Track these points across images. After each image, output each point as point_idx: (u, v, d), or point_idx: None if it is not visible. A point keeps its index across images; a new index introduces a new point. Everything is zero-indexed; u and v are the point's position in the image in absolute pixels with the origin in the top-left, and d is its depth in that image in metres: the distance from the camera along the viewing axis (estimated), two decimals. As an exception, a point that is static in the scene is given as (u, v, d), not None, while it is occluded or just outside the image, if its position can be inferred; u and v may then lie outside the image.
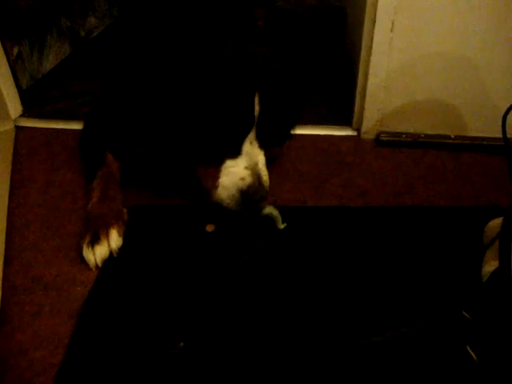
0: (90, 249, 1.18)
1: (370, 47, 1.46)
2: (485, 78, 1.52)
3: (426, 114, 1.58)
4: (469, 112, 1.58)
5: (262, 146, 1.22)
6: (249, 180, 1.19)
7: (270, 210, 1.26)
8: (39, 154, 1.50)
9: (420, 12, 1.41)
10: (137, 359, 1.00)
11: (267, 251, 1.22)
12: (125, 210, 1.28)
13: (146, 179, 1.38)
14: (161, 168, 1.32)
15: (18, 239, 1.24)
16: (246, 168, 1.19)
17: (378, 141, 1.60)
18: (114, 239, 1.20)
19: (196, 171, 1.26)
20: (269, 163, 1.26)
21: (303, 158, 1.54)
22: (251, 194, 1.19)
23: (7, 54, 1.58)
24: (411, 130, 1.60)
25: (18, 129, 1.60)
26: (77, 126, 1.54)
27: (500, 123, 1.54)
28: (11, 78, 1.60)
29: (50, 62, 1.77)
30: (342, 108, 1.70)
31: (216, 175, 1.21)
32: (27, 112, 1.67)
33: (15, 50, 1.62)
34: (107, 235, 1.20)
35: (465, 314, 1.01)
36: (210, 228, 1.28)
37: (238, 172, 1.19)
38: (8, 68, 1.59)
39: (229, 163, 1.20)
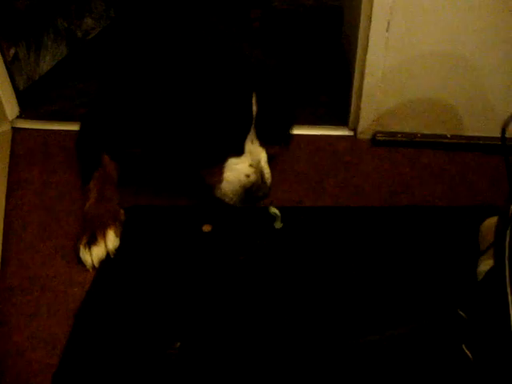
0: (86, 249, 1.18)
1: (366, 47, 1.46)
2: (481, 78, 1.52)
3: (423, 113, 1.58)
4: (465, 111, 1.58)
5: (262, 145, 1.23)
6: (253, 177, 1.21)
7: (275, 210, 1.28)
8: (36, 156, 1.50)
9: (416, 11, 1.41)
10: (134, 359, 1.00)
11: (264, 251, 1.23)
12: (122, 211, 1.29)
13: (142, 180, 1.38)
14: (158, 168, 1.32)
15: (15, 240, 1.24)
16: (251, 165, 1.20)
17: (374, 141, 1.60)
18: (111, 240, 1.21)
19: (197, 170, 1.27)
20: (268, 163, 1.27)
21: (300, 158, 1.54)
22: (254, 191, 1.21)
23: (4, 55, 1.58)
24: (407, 130, 1.60)
25: (15, 130, 1.60)
26: (74, 127, 1.54)
27: (497, 122, 1.55)
28: (8, 79, 1.60)
29: (46, 63, 1.77)
30: (339, 108, 1.70)
31: (220, 171, 1.22)
32: (24, 113, 1.67)
33: (12, 51, 1.62)
34: (104, 236, 1.20)
35: (460, 312, 1.01)
36: (206, 228, 1.28)
37: (242, 169, 1.21)
38: (5, 69, 1.59)
39: (233, 161, 1.21)
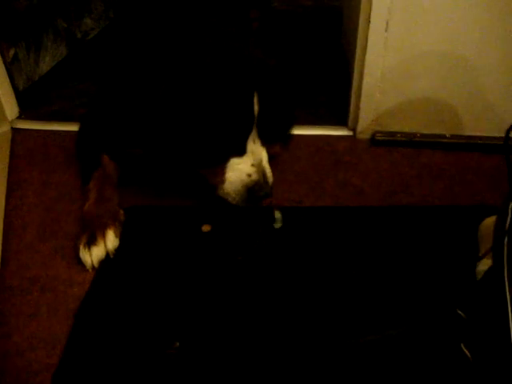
0: (86, 250, 1.18)
1: (365, 47, 1.46)
2: (480, 77, 1.52)
3: (422, 113, 1.59)
4: (464, 111, 1.58)
5: (264, 144, 1.24)
6: (255, 176, 1.21)
7: (278, 215, 1.29)
8: (36, 156, 1.50)
9: (414, 12, 1.41)
10: (133, 359, 1.00)
11: (262, 251, 1.23)
12: (121, 211, 1.29)
13: (142, 180, 1.39)
14: (158, 169, 1.33)
15: (14, 240, 1.25)
16: (253, 165, 1.21)
17: (373, 140, 1.60)
18: (111, 240, 1.21)
19: (199, 170, 1.27)
20: (269, 162, 1.27)
21: (299, 157, 1.54)
22: (256, 191, 1.21)
23: (3, 55, 1.58)
24: (406, 130, 1.60)
25: (15, 130, 1.60)
26: (73, 127, 1.54)
27: (496, 122, 1.55)
28: (7, 80, 1.61)
29: (46, 64, 1.77)
30: (338, 108, 1.71)
31: (222, 171, 1.22)
32: (24, 114, 1.67)
33: (11, 52, 1.62)
34: (104, 236, 1.21)
35: (459, 312, 1.01)
36: (205, 228, 1.28)
37: (244, 168, 1.21)
38: (4, 70, 1.59)
39: (235, 161, 1.21)
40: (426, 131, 1.61)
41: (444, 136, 1.61)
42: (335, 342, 1.03)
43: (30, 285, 1.15)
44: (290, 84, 1.37)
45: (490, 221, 1.16)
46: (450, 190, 1.45)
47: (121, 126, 1.30)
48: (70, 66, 1.86)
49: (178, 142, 1.20)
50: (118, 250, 1.21)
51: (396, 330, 1.04)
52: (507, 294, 0.85)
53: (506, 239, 0.89)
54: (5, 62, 1.59)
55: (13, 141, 1.56)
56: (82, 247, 1.19)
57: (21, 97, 1.67)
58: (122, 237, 1.24)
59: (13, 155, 1.50)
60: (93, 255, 1.18)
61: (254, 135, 1.21)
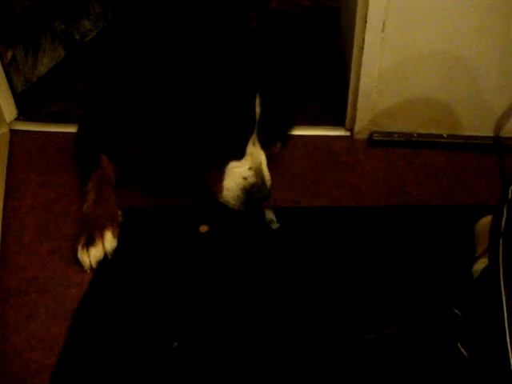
0: (84, 251, 1.19)
1: (362, 47, 1.47)
2: (477, 77, 1.52)
3: (419, 113, 1.59)
4: (461, 111, 1.58)
5: (263, 146, 1.24)
6: (252, 179, 1.21)
7: (270, 215, 1.29)
8: (34, 157, 1.51)
9: (411, 12, 1.41)
10: (131, 359, 1.01)
11: (260, 251, 1.23)
12: (119, 212, 1.29)
13: (140, 181, 1.39)
14: (157, 170, 1.33)
15: (13, 242, 1.25)
16: (250, 168, 1.21)
17: (370, 141, 1.60)
18: (109, 241, 1.21)
19: (200, 174, 1.27)
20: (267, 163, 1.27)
21: (297, 158, 1.55)
22: (254, 193, 1.21)
23: (1, 57, 1.58)
24: (404, 130, 1.61)
25: (13, 132, 1.61)
26: (71, 129, 1.54)
27: (493, 122, 1.56)
28: (6, 82, 1.61)
29: (44, 66, 1.78)
30: (335, 108, 1.71)
31: (221, 178, 1.22)
32: (22, 115, 1.68)
33: (9, 54, 1.63)
34: (102, 237, 1.21)
35: (456, 311, 1.02)
36: (203, 229, 1.29)
37: (241, 172, 1.21)
38: (2, 71, 1.59)
39: (233, 164, 1.21)
40: (423, 131, 1.61)
41: (441, 136, 1.61)
42: (332, 341, 1.04)
43: (28, 286, 1.15)
44: (290, 86, 1.38)
45: (486, 220, 1.17)
46: (447, 190, 1.45)
47: (119, 127, 1.31)
48: (68, 68, 1.86)
49: (177, 145, 1.20)
50: (116, 250, 1.22)
51: (393, 329, 1.04)
52: (502, 293, 0.85)
53: (502, 239, 0.90)
54: (3, 64, 1.59)
55: (11, 142, 1.56)
56: (80, 248, 1.19)
57: (19, 98, 1.68)
58: (120, 237, 1.24)
59: (11, 157, 1.50)
60: (91, 256, 1.18)
61: (254, 138, 1.21)
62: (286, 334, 1.06)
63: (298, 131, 1.59)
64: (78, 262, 1.19)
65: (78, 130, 1.49)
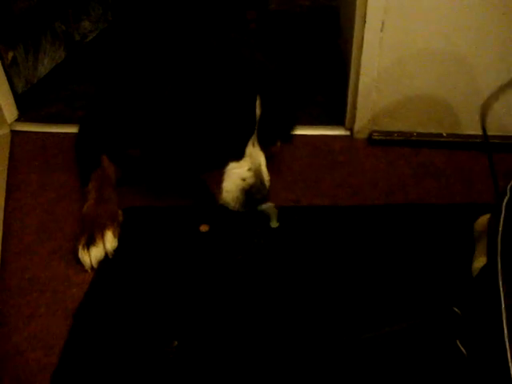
0: (85, 250, 1.19)
1: (361, 47, 1.47)
2: (477, 76, 1.52)
3: (418, 112, 1.59)
4: (461, 110, 1.59)
5: (262, 147, 1.24)
6: (251, 180, 1.22)
7: (266, 206, 1.28)
8: (35, 158, 1.51)
9: (410, 11, 1.42)
10: (132, 358, 1.01)
11: (261, 251, 1.24)
12: (120, 212, 1.30)
13: (141, 181, 1.40)
14: (157, 170, 1.33)
15: (14, 242, 1.25)
16: (249, 169, 1.22)
17: (370, 140, 1.61)
18: (109, 241, 1.22)
19: (200, 175, 1.28)
20: (266, 162, 1.28)
21: (297, 157, 1.55)
22: (253, 193, 1.21)
23: (2, 58, 1.59)
24: (403, 129, 1.61)
25: (14, 133, 1.61)
26: (72, 129, 1.55)
27: (492, 120, 1.55)
28: (6, 83, 1.62)
29: (45, 67, 1.78)
30: (335, 108, 1.71)
31: (220, 179, 1.23)
32: (23, 116, 1.68)
33: (10, 55, 1.63)
34: (102, 237, 1.22)
35: (455, 309, 1.02)
36: (204, 228, 1.29)
37: (240, 173, 1.22)
38: (3, 73, 1.60)
39: (232, 165, 1.22)
40: (422, 130, 1.61)
41: (441, 135, 1.61)
42: (332, 339, 1.04)
43: (29, 285, 1.15)
44: (290, 87, 1.38)
45: (484, 219, 1.17)
46: (447, 189, 1.45)
47: (120, 127, 1.31)
48: (68, 69, 1.87)
49: (177, 145, 1.20)
50: (116, 250, 1.22)
51: (392, 327, 1.04)
52: (501, 290, 0.85)
53: (500, 237, 0.90)
54: (4, 65, 1.60)
55: (12, 143, 1.57)
56: (80, 248, 1.20)
57: (20, 99, 1.68)
58: (121, 237, 1.25)
59: (12, 157, 1.51)
60: (92, 256, 1.19)
61: (253, 139, 1.22)
62: (287, 332, 1.06)
63: (297, 131, 1.59)
64: (78, 262, 1.19)
65: (79, 130, 1.50)
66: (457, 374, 0.93)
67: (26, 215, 1.33)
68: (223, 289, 1.15)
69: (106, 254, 1.21)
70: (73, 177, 1.43)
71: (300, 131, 1.61)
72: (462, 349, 0.93)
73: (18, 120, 1.67)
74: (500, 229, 0.91)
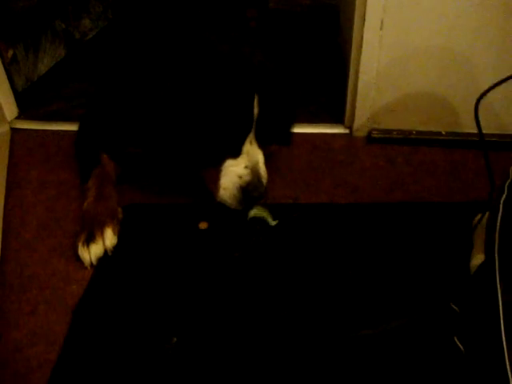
0: (85, 247, 1.20)
1: (360, 45, 1.48)
2: (476, 74, 1.53)
3: (417, 110, 1.60)
4: (460, 108, 1.59)
5: (261, 145, 1.24)
6: (248, 177, 1.22)
7: (255, 211, 1.28)
8: (35, 156, 1.51)
9: (409, 9, 1.42)
10: (131, 355, 1.01)
11: (259, 248, 1.24)
12: (119, 209, 1.30)
13: (140, 178, 1.40)
14: (157, 168, 1.34)
15: (14, 239, 1.26)
16: (246, 167, 1.22)
17: (369, 138, 1.61)
18: (109, 238, 1.22)
19: (197, 172, 1.28)
20: (265, 160, 1.28)
21: (296, 155, 1.55)
22: (251, 191, 1.21)
23: (2, 56, 1.59)
24: (402, 127, 1.61)
25: (14, 131, 1.61)
26: (72, 127, 1.55)
27: (491, 119, 1.56)
28: (6, 81, 1.62)
29: (45, 65, 1.79)
30: (335, 106, 1.72)
31: (217, 176, 1.23)
32: (23, 114, 1.69)
33: (10, 53, 1.63)
34: (102, 234, 1.22)
35: (453, 306, 1.02)
36: (202, 225, 1.29)
37: (237, 171, 1.22)
38: (3, 70, 1.60)
39: (229, 163, 1.22)
40: (421, 128, 1.62)
41: (440, 133, 1.62)
42: (330, 336, 1.05)
43: (29, 282, 1.16)
44: (289, 85, 1.38)
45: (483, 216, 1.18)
46: (446, 187, 1.46)
47: (120, 125, 1.31)
48: (68, 67, 1.87)
49: (176, 142, 1.20)
50: (116, 247, 1.23)
51: (390, 324, 1.05)
52: (498, 287, 0.86)
53: (497, 235, 0.90)
54: (4, 63, 1.60)
55: (12, 141, 1.57)
56: (80, 245, 1.20)
57: (20, 97, 1.68)
58: (121, 234, 1.25)
59: (12, 155, 1.51)
60: (91, 253, 1.19)
61: (251, 137, 1.22)
62: (285, 329, 1.06)
63: (297, 129, 1.59)
64: (78, 259, 1.20)
65: (79, 128, 1.50)
66: (454, 370, 0.93)
67: (25, 212, 1.33)
68: (222, 286, 1.15)
69: (106, 251, 1.21)
70: (73, 174, 1.44)
71: (299, 129, 1.61)
72: (460, 345, 0.94)
73: (18, 118, 1.67)
74: (497, 226, 0.91)
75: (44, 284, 1.16)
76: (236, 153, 1.22)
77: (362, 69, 1.51)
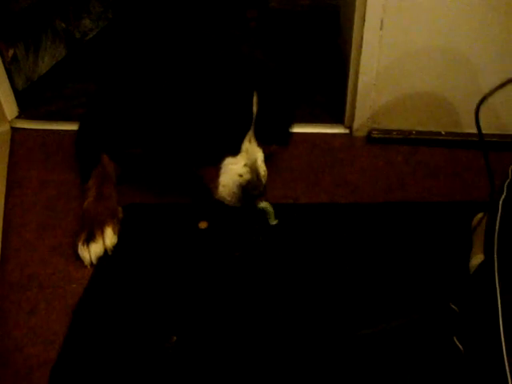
0: (85, 247, 1.20)
1: (360, 46, 1.48)
2: (476, 74, 1.53)
3: (417, 110, 1.60)
4: (460, 108, 1.59)
5: (260, 144, 1.25)
6: (247, 176, 1.22)
7: (265, 204, 1.29)
8: (35, 155, 1.52)
9: (408, 9, 1.42)
10: (131, 354, 1.02)
11: (259, 247, 1.24)
12: (120, 209, 1.30)
13: (140, 178, 1.40)
14: (157, 167, 1.34)
15: (14, 238, 1.26)
16: (245, 165, 1.22)
17: (369, 138, 1.61)
18: (109, 237, 1.22)
19: (196, 170, 1.28)
20: (266, 160, 1.28)
21: (296, 155, 1.55)
22: (250, 189, 1.22)
23: (3, 56, 1.59)
24: (402, 127, 1.61)
25: (14, 130, 1.61)
26: (72, 127, 1.55)
27: (491, 119, 1.56)
28: (7, 80, 1.62)
29: (45, 64, 1.79)
30: (335, 106, 1.72)
31: (217, 174, 1.23)
32: (23, 113, 1.69)
33: (11, 52, 1.63)
34: (102, 233, 1.22)
35: (452, 306, 1.02)
36: (202, 225, 1.30)
37: (236, 169, 1.22)
38: (3, 70, 1.60)
39: (228, 161, 1.22)
40: (421, 129, 1.62)
41: (439, 133, 1.62)
42: (330, 336, 1.05)
43: (29, 282, 1.16)
44: (289, 85, 1.38)
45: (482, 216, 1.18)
46: (446, 187, 1.46)
47: (120, 125, 1.32)
48: (68, 66, 1.87)
49: (176, 140, 1.21)
50: (116, 246, 1.23)
51: (390, 323, 1.05)
52: (497, 287, 0.86)
53: (496, 235, 0.90)
54: (4, 63, 1.60)
55: (12, 140, 1.57)
56: (80, 244, 1.20)
57: (20, 97, 1.68)
58: (121, 234, 1.25)
59: (12, 154, 1.51)
60: (91, 252, 1.19)
61: (250, 135, 1.22)
62: (284, 329, 1.07)
63: (297, 129, 1.59)
64: (78, 258, 1.20)
65: (79, 128, 1.50)
66: (453, 369, 0.94)
67: (26, 212, 1.33)
68: (222, 285, 1.16)
69: (106, 251, 1.21)
70: (73, 174, 1.44)
71: (299, 129, 1.61)
72: (459, 345, 0.94)
73: (19, 117, 1.67)
74: (497, 226, 0.91)
75: (44, 283, 1.16)
76: (235, 151, 1.22)
77: (361, 69, 1.51)
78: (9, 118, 1.64)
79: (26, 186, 1.41)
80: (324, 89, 1.84)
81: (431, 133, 1.62)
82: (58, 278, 1.17)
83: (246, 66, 1.21)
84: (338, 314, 1.09)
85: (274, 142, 1.40)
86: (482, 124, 1.57)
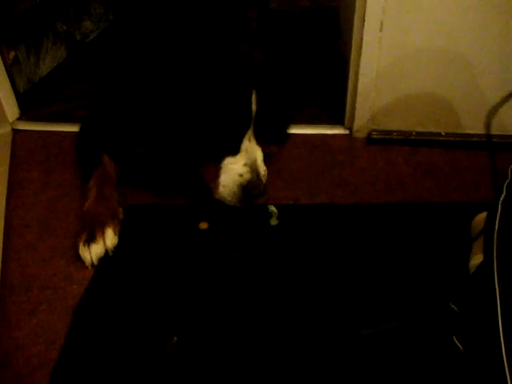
0: (86, 247, 1.20)
1: (360, 47, 1.48)
2: (476, 75, 1.53)
3: (417, 111, 1.60)
4: (460, 109, 1.59)
5: (259, 143, 1.25)
6: (247, 176, 1.22)
7: (273, 208, 1.31)
8: (36, 156, 1.52)
9: (408, 10, 1.42)
10: (131, 354, 1.02)
11: (259, 248, 1.25)
12: (120, 210, 1.31)
13: (141, 179, 1.40)
14: (158, 168, 1.34)
15: (15, 239, 1.26)
16: (245, 165, 1.22)
17: (369, 139, 1.61)
18: (110, 238, 1.23)
19: (196, 170, 1.28)
20: (265, 161, 1.29)
21: (296, 156, 1.56)
22: (251, 189, 1.22)
23: (4, 58, 1.59)
24: (402, 128, 1.62)
25: (15, 131, 1.62)
26: (73, 128, 1.56)
27: (494, 120, 1.56)
28: (8, 82, 1.62)
29: (46, 66, 1.79)
30: (335, 107, 1.72)
31: (217, 173, 1.23)
32: (24, 115, 1.69)
33: (12, 54, 1.64)
34: (103, 234, 1.22)
35: (452, 306, 1.02)
36: (203, 226, 1.30)
37: (236, 169, 1.22)
38: (5, 72, 1.60)
39: (228, 160, 1.22)
40: (421, 129, 1.62)
41: (439, 134, 1.62)
42: (330, 336, 1.05)
43: (31, 282, 1.16)
44: (288, 85, 1.39)
45: (482, 217, 1.18)
46: (446, 188, 1.46)
47: (121, 126, 1.32)
48: (69, 68, 1.87)
49: (176, 139, 1.21)
50: (116, 247, 1.23)
51: (390, 323, 1.05)
52: (496, 287, 0.86)
53: (496, 235, 0.90)
54: (5, 64, 1.60)
55: (13, 142, 1.58)
56: (81, 245, 1.21)
57: (21, 98, 1.69)
58: (121, 235, 1.26)
59: (13, 156, 1.52)
60: (92, 253, 1.20)
61: (249, 134, 1.22)
62: (285, 329, 1.07)
63: (297, 130, 1.61)
64: (79, 259, 1.20)
65: (80, 129, 1.50)
66: (453, 369, 0.94)
67: (27, 213, 1.33)
68: (222, 285, 1.16)
69: (107, 251, 1.22)
70: (73, 175, 1.44)
71: (299, 130, 1.62)
72: (459, 345, 0.94)
73: (20, 119, 1.68)
74: (496, 226, 0.92)
75: (45, 284, 1.16)
76: (235, 150, 1.22)
77: (361, 70, 1.51)
78: (10, 120, 1.64)
79: (27, 187, 1.41)
80: (324, 90, 1.85)
81: (431, 133, 1.62)
82: (59, 278, 1.18)
83: (245, 65, 1.22)
84: (338, 314, 1.10)
85: (272, 141, 1.40)
86: (481, 124, 1.59)
